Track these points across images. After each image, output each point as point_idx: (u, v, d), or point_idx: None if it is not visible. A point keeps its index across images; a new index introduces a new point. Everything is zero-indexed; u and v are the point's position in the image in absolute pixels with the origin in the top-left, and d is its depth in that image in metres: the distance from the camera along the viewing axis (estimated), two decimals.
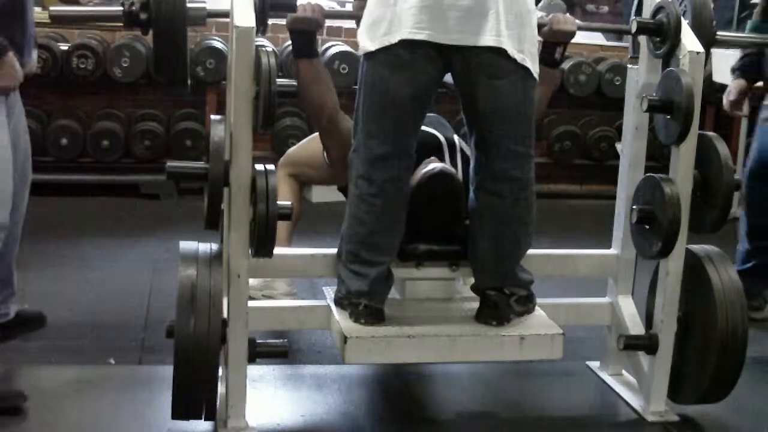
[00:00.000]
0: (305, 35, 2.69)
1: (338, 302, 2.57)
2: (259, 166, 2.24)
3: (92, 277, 3.71)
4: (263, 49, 2.21)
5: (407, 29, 2.33)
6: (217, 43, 5.20)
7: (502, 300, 2.56)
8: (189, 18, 2.29)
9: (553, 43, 2.79)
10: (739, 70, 3.68)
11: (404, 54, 2.35)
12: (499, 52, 2.35)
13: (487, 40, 2.33)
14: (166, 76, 2.49)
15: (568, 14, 2.83)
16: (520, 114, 2.43)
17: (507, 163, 2.46)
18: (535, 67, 2.43)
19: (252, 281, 2.63)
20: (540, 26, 2.68)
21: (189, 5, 2.29)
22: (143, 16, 2.32)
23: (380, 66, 2.39)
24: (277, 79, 2.16)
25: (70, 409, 2.59)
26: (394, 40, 2.34)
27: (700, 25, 2.60)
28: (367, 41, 2.41)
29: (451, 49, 2.36)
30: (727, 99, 3.69)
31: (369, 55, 2.41)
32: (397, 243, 2.56)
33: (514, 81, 2.39)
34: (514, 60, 2.36)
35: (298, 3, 2.52)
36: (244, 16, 2.22)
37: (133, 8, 2.33)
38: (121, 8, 2.36)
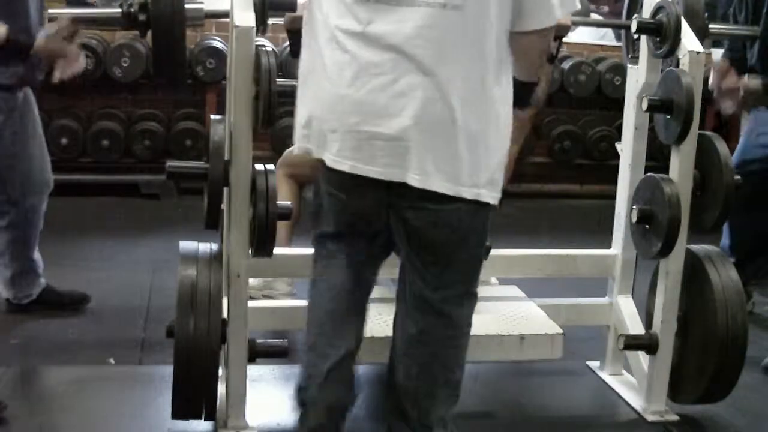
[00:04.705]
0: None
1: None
2: (259, 166, 2.24)
3: (92, 277, 3.71)
4: (263, 49, 2.21)
5: (331, 155, 1.98)
6: (217, 43, 5.20)
7: None
8: (187, 18, 2.29)
9: None
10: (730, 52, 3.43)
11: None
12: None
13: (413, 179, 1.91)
14: (166, 76, 2.49)
15: None
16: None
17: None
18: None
19: (252, 281, 2.63)
20: None
21: (187, 6, 2.29)
22: (142, 17, 2.32)
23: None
24: (277, 79, 2.16)
25: (70, 409, 2.59)
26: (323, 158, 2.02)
27: (692, 16, 2.59)
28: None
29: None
30: (717, 79, 3.37)
31: None
32: (352, 345, 2.20)
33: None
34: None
35: (298, 2, 2.52)
36: (244, 16, 2.22)
37: (132, 9, 2.33)
38: (119, 10, 2.36)
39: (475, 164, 1.91)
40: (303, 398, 2.16)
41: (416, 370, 2.09)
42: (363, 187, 1.95)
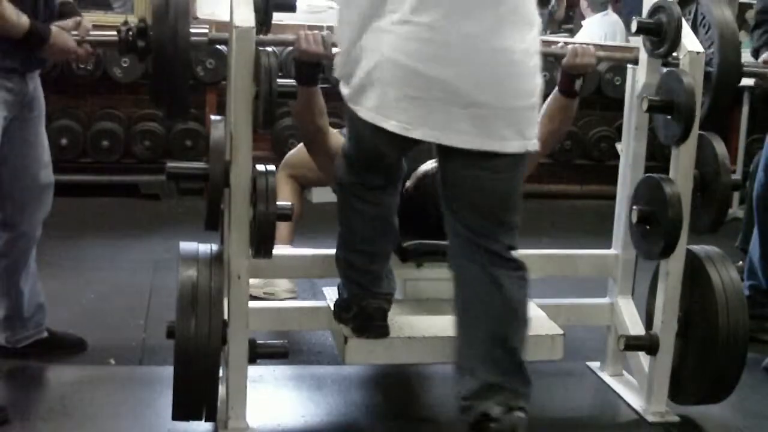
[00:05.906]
0: (312, 67, 2.53)
1: (337, 315, 2.51)
2: (260, 167, 2.24)
3: (92, 277, 3.71)
4: (263, 49, 2.21)
5: (397, 123, 2.15)
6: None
7: None
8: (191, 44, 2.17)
9: (573, 74, 2.72)
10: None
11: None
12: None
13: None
14: (166, 107, 2.33)
15: (588, 46, 2.74)
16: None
17: None
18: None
19: (253, 279, 2.63)
20: (558, 57, 2.69)
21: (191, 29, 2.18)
22: (140, 43, 2.23)
23: (363, 126, 2.23)
24: (277, 79, 2.16)
25: (70, 409, 2.59)
26: (386, 126, 2.17)
27: (728, 62, 2.53)
28: (352, 103, 2.23)
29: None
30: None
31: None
32: (390, 248, 2.52)
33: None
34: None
35: (297, 32, 2.44)
36: (244, 16, 2.22)
37: (130, 35, 2.25)
38: (116, 33, 2.27)
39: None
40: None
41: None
42: None
